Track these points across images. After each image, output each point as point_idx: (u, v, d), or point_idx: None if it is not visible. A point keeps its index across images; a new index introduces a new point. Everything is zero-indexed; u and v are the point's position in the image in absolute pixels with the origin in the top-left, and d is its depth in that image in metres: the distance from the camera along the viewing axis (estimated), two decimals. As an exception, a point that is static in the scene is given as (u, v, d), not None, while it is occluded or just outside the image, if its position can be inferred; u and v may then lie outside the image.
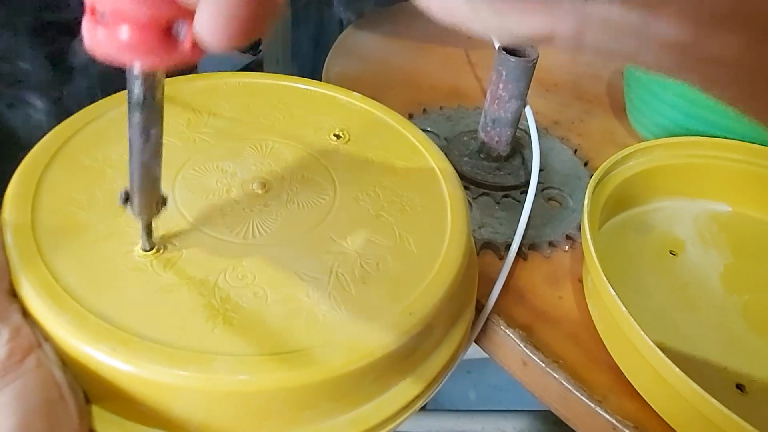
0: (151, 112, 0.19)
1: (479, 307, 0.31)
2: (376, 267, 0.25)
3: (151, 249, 0.24)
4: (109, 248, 0.23)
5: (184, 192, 0.27)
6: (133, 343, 0.20)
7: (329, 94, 0.35)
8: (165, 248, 0.24)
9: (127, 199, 0.22)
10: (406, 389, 0.24)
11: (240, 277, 0.23)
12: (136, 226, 0.24)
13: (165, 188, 0.26)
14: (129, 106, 0.19)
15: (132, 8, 0.15)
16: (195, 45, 0.15)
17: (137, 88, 0.18)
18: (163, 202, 0.23)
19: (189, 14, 0.14)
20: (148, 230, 0.23)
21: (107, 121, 0.30)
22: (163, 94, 0.19)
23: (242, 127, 0.32)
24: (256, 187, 0.28)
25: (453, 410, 0.66)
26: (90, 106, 0.30)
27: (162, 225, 0.25)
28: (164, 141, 0.29)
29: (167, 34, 0.15)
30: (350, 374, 0.21)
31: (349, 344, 0.21)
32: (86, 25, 0.16)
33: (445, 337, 0.27)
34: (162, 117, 0.19)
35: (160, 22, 0.15)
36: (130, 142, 0.20)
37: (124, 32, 0.15)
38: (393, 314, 0.23)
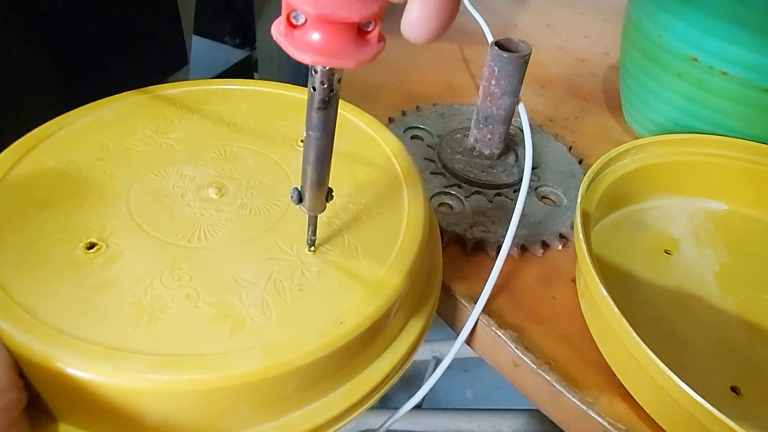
0: (330, 112, 0.20)
1: (468, 307, 0.30)
2: (317, 275, 0.24)
3: (313, 245, 0.25)
4: (54, 245, 0.24)
5: (139, 195, 0.27)
6: (50, 336, 0.20)
7: (304, 98, 0.35)
8: (108, 247, 0.24)
9: (300, 198, 0.23)
10: (340, 399, 0.24)
11: (176, 279, 0.23)
12: (86, 225, 0.25)
13: (121, 191, 0.27)
14: (309, 108, 0.20)
15: (333, 14, 0.15)
16: (379, 45, 0.17)
17: (321, 91, 0.19)
18: (330, 196, 0.24)
19: (380, 16, 0.16)
20: (314, 226, 0.24)
21: (77, 128, 0.30)
22: (339, 95, 0.20)
23: (210, 132, 0.32)
24: (212, 191, 0.28)
25: (449, 409, 0.65)
26: (63, 115, 0.30)
27: (109, 225, 0.25)
28: (128, 145, 0.30)
29: (358, 36, 0.17)
30: (267, 381, 0.21)
31: (269, 350, 0.21)
32: (281, 30, 0.16)
33: (389, 347, 0.26)
34: (336, 116, 0.20)
35: (354, 26, 0.16)
36: (306, 142, 0.21)
37: (320, 36, 0.16)
38: (322, 323, 0.22)
